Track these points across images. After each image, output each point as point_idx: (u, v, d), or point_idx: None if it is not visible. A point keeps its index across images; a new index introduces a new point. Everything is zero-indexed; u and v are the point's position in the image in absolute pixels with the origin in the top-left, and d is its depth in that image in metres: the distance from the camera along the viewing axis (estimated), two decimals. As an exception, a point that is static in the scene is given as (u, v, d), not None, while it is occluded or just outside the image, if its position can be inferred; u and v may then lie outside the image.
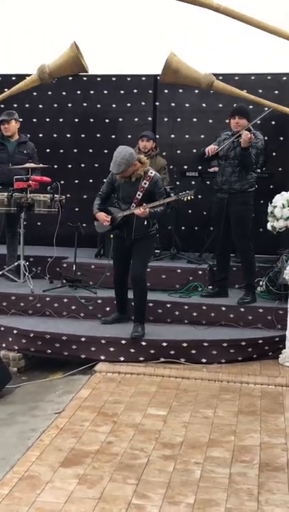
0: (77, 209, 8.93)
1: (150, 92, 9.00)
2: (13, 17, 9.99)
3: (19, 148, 7.55)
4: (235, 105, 6.94)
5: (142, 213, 5.98)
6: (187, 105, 8.89)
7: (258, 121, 7.28)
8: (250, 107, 7.73)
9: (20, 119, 7.85)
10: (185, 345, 6.10)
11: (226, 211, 6.63)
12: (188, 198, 6.42)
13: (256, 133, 6.72)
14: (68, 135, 9.25)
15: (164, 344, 6.09)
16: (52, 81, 3.83)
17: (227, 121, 6.83)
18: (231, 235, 6.83)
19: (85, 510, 3.46)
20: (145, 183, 6.06)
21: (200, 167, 8.21)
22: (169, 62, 3.53)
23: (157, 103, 9.01)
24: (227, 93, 3.55)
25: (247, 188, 6.65)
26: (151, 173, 6.11)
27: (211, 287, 7.15)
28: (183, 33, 9.37)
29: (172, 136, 8.98)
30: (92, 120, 9.16)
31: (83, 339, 6.17)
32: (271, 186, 8.04)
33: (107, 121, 9.12)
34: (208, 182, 8.14)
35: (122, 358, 6.07)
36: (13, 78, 8.35)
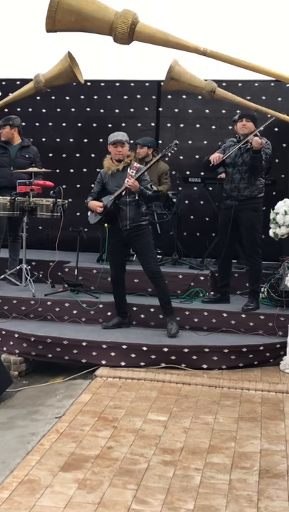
0: (78, 213, 8.93)
1: (153, 97, 9.04)
2: (18, 21, 10.02)
3: (21, 152, 7.57)
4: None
5: (132, 184, 6.15)
6: (190, 111, 8.91)
7: (262, 128, 7.30)
8: (254, 113, 7.76)
9: (23, 123, 7.87)
10: (186, 350, 6.10)
11: (234, 218, 6.61)
12: (172, 150, 6.55)
13: (264, 139, 6.74)
14: (71, 140, 9.28)
15: (165, 349, 6.09)
16: (47, 90, 3.84)
17: (230, 127, 6.83)
18: (236, 242, 6.83)
19: (84, 515, 3.46)
20: (132, 172, 6.28)
21: (202, 173, 8.23)
22: (171, 70, 3.50)
23: (160, 109, 9.04)
24: (229, 100, 3.50)
25: (256, 194, 6.64)
26: (137, 164, 6.43)
27: (212, 293, 7.15)
28: (186, 39, 9.40)
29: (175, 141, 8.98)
30: (95, 125, 9.18)
31: (84, 344, 6.17)
32: (274, 193, 8.05)
33: (110, 126, 9.13)
34: (210, 188, 8.15)
35: (122, 363, 6.07)
36: (18, 83, 8.39)
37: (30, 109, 9.15)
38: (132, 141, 8.06)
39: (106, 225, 6.41)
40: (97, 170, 8.96)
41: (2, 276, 7.38)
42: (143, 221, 6.41)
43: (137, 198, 6.29)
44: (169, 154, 6.67)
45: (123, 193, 6.26)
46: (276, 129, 8.50)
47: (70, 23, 2.93)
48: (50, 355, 6.25)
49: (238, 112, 7.85)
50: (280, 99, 8.53)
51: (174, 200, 8.10)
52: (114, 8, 2.79)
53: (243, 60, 2.91)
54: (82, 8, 2.80)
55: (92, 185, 8.91)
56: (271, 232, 6.79)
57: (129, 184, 6.17)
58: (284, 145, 8.48)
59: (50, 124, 9.27)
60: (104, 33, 2.90)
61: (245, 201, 6.59)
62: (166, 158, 7.49)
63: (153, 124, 9.02)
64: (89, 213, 6.56)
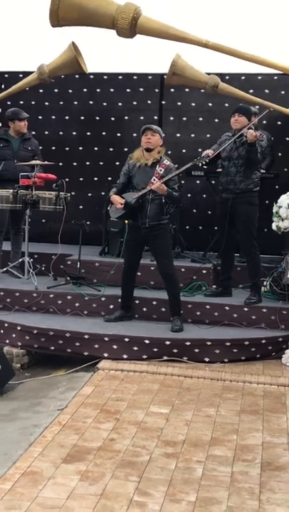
0: (81, 207, 8.95)
1: (156, 90, 9.02)
2: (21, 14, 10.01)
3: (24, 145, 7.56)
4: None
5: (158, 187, 6.08)
6: (193, 104, 8.90)
7: (264, 122, 7.30)
8: (257, 107, 7.76)
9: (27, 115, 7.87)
10: (188, 343, 6.10)
11: (230, 211, 6.63)
12: (204, 162, 6.50)
13: (259, 130, 6.74)
14: (74, 133, 9.27)
15: (168, 342, 6.09)
16: (51, 80, 3.83)
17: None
18: (235, 235, 6.83)
19: (86, 507, 3.47)
20: (160, 170, 6.22)
21: (205, 166, 8.21)
22: (174, 64, 3.47)
23: (163, 102, 9.02)
24: (231, 95, 3.47)
25: (252, 188, 6.66)
26: (167, 161, 6.31)
27: (214, 287, 7.15)
28: (190, 32, 9.38)
29: (178, 135, 8.98)
30: (97, 118, 9.17)
31: (86, 336, 6.18)
32: (276, 186, 8.05)
33: (112, 119, 9.13)
34: (213, 181, 8.15)
35: (125, 356, 6.08)
36: (21, 75, 8.37)
37: (33, 102, 9.14)
38: (135, 135, 8.05)
39: (126, 221, 6.41)
40: (100, 163, 9.07)
41: (5, 269, 7.39)
42: (163, 220, 6.33)
43: (160, 196, 6.22)
44: (199, 165, 6.65)
45: (148, 193, 6.21)
46: (279, 123, 8.49)
47: (74, 19, 2.93)
48: (52, 348, 6.26)
49: (241, 105, 7.85)
50: (283, 92, 8.51)
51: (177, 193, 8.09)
52: (117, 2, 2.78)
53: (245, 53, 2.90)
54: (84, 4, 2.80)
55: (95, 179, 9.03)
56: (274, 226, 6.79)
57: (155, 187, 6.10)
58: (287, 138, 8.47)
59: (53, 117, 9.26)
60: (107, 27, 2.91)
61: (241, 194, 6.61)
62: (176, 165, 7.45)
63: (156, 117, 9.00)
64: (110, 207, 6.55)
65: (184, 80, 3.33)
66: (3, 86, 9.01)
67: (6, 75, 9.26)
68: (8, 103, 8.98)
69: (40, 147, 7.84)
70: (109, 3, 2.79)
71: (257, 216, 6.77)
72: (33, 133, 7.92)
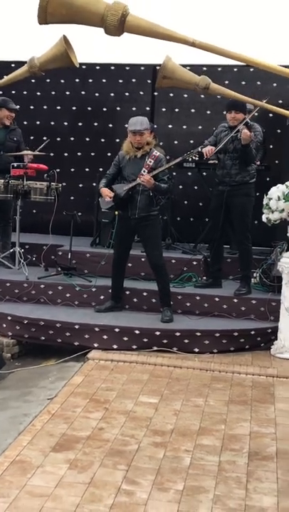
0: (72, 197, 8.94)
1: (149, 81, 9.01)
2: (12, 3, 9.95)
3: (10, 135, 7.56)
4: (230, 99, 6.93)
5: (146, 181, 6.08)
6: (185, 96, 8.90)
7: (256, 114, 7.31)
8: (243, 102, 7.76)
9: (18, 106, 7.85)
10: (178, 334, 6.14)
11: (226, 203, 6.65)
12: (194, 157, 6.50)
13: (254, 125, 6.75)
14: (66, 123, 9.26)
15: (157, 333, 6.13)
16: (41, 73, 3.82)
17: (225, 113, 6.83)
18: (228, 227, 6.86)
19: (74, 495, 3.49)
20: (150, 161, 6.22)
21: (197, 158, 8.22)
22: (164, 68, 3.47)
23: (156, 93, 9.01)
24: (222, 95, 3.46)
25: (248, 180, 6.69)
26: (156, 152, 6.31)
27: (205, 278, 7.19)
28: (182, 24, 9.36)
29: (170, 126, 8.99)
30: (89, 108, 9.16)
31: (77, 327, 6.20)
32: (267, 179, 8.07)
33: (104, 109, 9.12)
34: (204, 173, 8.17)
35: (115, 346, 6.11)
36: (13, 65, 8.35)
37: (24, 92, 9.11)
38: (126, 126, 8.05)
39: (116, 212, 6.42)
40: (92, 154, 9.08)
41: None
42: (153, 211, 6.35)
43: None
44: (190, 160, 6.67)
45: (137, 185, 6.22)
46: (270, 115, 8.50)
47: (62, 15, 2.94)
48: (42, 338, 6.28)
49: (236, 100, 7.84)
50: (275, 84, 8.52)
51: (168, 184, 8.10)
52: (105, 1, 2.82)
53: (233, 52, 2.91)
54: (73, 0, 2.82)
55: (87, 170, 9.03)
56: (264, 218, 6.80)
57: (143, 180, 6.11)
58: (278, 131, 8.49)
59: (45, 107, 9.24)
60: (95, 25, 2.91)
61: (237, 187, 6.64)
62: (164, 153, 7.43)
63: (148, 109, 8.99)
64: (100, 199, 6.56)
65: (174, 82, 3.34)
66: (5, 76, 8.99)
67: (13, 65, 9.21)
68: (0, 93, 8.96)
69: (32, 137, 7.83)
70: (98, 1, 2.80)
71: (252, 208, 6.80)
72: (25, 123, 7.90)
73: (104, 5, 2.81)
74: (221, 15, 9.46)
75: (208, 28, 9.05)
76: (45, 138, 7.85)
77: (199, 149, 6.63)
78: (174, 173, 8.29)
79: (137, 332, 6.13)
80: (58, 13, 2.90)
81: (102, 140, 9.08)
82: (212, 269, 7.07)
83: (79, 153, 9.18)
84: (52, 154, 8.24)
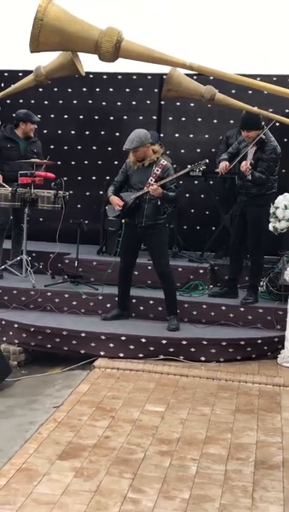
0: (79, 206, 8.97)
1: (156, 90, 9.04)
2: (20, 12, 10.02)
3: (31, 147, 7.60)
4: (243, 115, 6.90)
5: (154, 190, 6.09)
6: (192, 104, 8.91)
7: (263, 123, 7.32)
8: (255, 108, 7.75)
9: (39, 116, 7.93)
10: (184, 343, 6.13)
11: (243, 213, 6.68)
12: (201, 168, 6.53)
13: (268, 142, 6.73)
14: (73, 132, 9.29)
15: (164, 341, 6.12)
16: (48, 82, 3.83)
17: (232, 121, 6.83)
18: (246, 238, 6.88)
19: (80, 503, 3.49)
20: (157, 170, 6.24)
21: (204, 167, 8.24)
22: (169, 81, 3.47)
23: (162, 102, 9.04)
24: (228, 106, 3.45)
25: (265, 192, 6.68)
26: (164, 161, 6.33)
27: (212, 286, 7.17)
28: (188, 33, 9.42)
29: (177, 135, 9.01)
30: (96, 117, 9.19)
31: (83, 335, 6.20)
32: (274, 188, 8.08)
33: (111, 118, 9.15)
34: (211, 182, 8.17)
35: (121, 354, 6.11)
36: (20, 74, 8.40)
37: (32, 101, 9.15)
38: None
39: (123, 220, 6.44)
40: (98, 162, 9.10)
41: (3, 267, 7.40)
42: (160, 220, 6.37)
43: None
44: (197, 171, 6.69)
45: (144, 194, 6.24)
46: (277, 124, 8.49)
47: (55, 43, 2.92)
48: (49, 346, 6.28)
49: (247, 120, 7.84)
50: (265, 92, 8.52)
51: (174, 193, 8.12)
52: (99, 27, 2.81)
53: (232, 74, 2.93)
54: (66, 28, 2.78)
55: (94, 178, 9.05)
56: (271, 227, 6.81)
57: (151, 189, 6.12)
58: (285, 140, 8.49)
59: (52, 116, 9.28)
60: (89, 51, 2.91)
61: (253, 198, 6.66)
62: (171, 161, 7.44)
63: (154, 118, 9.02)
64: (107, 207, 6.59)
65: (179, 93, 3.34)
66: (2, 85, 9.04)
67: (6, 74, 9.29)
68: (8, 101, 9.02)
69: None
70: (91, 28, 2.78)
71: (266, 219, 6.78)
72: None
73: (98, 31, 2.79)
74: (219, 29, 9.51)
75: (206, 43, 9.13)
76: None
77: (207, 161, 6.65)
78: (181, 182, 8.29)
79: (143, 340, 6.13)
80: (51, 41, 2.86)
81: (109, 149, 9.11)
82: (229, 277, 7.03)
83: (86, 162, 9.21)
84: (59, 163, 8.28)
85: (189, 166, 6.66)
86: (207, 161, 6.65)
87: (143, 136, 6.18)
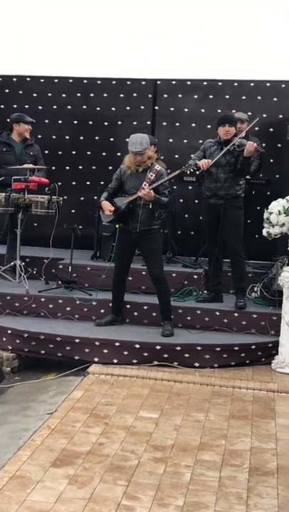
0: (73, 211, 8.96)
1: (150, 96, 9.04)
2: (15, 18, 10.04)
3: (26, 150, 7.58)
4: (221, 113, 7.14)
5: (146, 194, 6.09)
6: (186, 110, 8.92)
7: (256, 128, 7.35)
8: (249, 113, 7.82)
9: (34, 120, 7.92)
10: (178, 348, 6.12)
11: (219, 216, 6.67)
12: (191, 169, 6.55)
13: (253, 138, 6.83)
14: (67, 137, 9.28)
15: (158, 347, 6.11)
16: None
17: (218, 126, 6.83)
18: (223, 240, 6.89)
19: (74, 511, 3.47)
20: (152, 175, 6.24)
21: (198, 172, 8.26)
22: None
23: (156, 107, 9.05)
24: None
25: (240, 194, 6.79)
26: (158, 167, 6.35)
27: (206, 292, 7.18)
28: (183, 39, 9.43)
29: (171, 140, 9.01)
30: (91, 123, 9.19)
31: (77, 340, 6.18)
32: (268, 193, 8.09)
33: (106, 124, 9.14)
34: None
35: (115, 360, 6.09)
36: (14, 79, 8.40)
37: (26, 106, 9.14)
38: (128, 140, 8.09)
39: (117, 225, 6.43)
40: (93, 167, 9.10)
41: (-4, 273, 7.37)
42: (154, 225, 6.37)
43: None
44: (188, 172, 6.70)
45: (137, 199, 6.24)
46: (271, 130, 8.53)
47: None
48: (42, 352, 6.26)
49: (233, 111, 7.88)
50: (275, 99, 8.56)
51: (168, 198, 8.12)
52: None
53: None
54: None
55: (88, 183, 9.04)
56: (265, 232, 6.80)
57: (144, 194, 6.13)
58: (279, 145, 8.50)
59: (47, 121, 9.26)
60: None
61: (231, 200, 6.70)
62: (166, 167, 7.44)
63: (149, 123, 9.02)
64: (101, 212, 6.58)
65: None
66: (7, 90, 9.10)
67: (14, 79, 9.28)
68: (2, 106, 9.02)
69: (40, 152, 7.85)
70: None
71: (243, 220, 6.86)
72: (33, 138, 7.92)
73: None
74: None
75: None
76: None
77: (197, 162, 6.65)
78: (175, 187, 8.30)
79: (137, 346, 6.11)
80: None
81: (104, 154, 9.10)
82: (212, 283, 7.06)
83: (80, 167, 9.20)
84: (53, 168, 8.27)
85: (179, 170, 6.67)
86: (197, 162, 6.65)
87: (147, 138, 6.27)
